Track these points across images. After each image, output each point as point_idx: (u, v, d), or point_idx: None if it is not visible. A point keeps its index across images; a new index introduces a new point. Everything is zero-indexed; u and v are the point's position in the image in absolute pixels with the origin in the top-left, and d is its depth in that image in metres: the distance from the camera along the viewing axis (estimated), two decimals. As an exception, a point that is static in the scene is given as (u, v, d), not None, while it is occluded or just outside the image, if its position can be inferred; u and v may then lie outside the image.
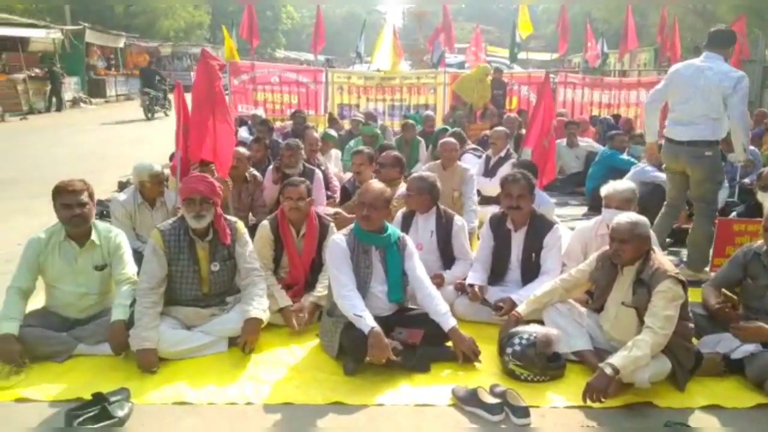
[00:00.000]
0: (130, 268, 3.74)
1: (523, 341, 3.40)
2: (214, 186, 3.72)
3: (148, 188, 4.90)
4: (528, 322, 3.63)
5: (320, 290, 4.10)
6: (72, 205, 3.53)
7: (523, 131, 8.30)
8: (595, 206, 6.48)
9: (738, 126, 4.77)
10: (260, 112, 11.51)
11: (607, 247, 3.46)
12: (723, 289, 3.91)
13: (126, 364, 3.48)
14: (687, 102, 4.85)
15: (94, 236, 3.68)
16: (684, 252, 5.45)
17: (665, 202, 5.37)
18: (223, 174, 5.06)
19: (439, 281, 4.12)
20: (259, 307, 3.68)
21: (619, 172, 6.50)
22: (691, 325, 3.37)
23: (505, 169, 6.57)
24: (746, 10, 16.80)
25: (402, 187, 5.08)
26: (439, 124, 10.53)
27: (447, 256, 4.45)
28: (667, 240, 5.95)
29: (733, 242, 4.86)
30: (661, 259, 3.33)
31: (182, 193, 3.72)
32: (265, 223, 4.25)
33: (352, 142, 8.36)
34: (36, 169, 10.04)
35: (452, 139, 6.23)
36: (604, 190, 4.19)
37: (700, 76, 4.80)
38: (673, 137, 5.00)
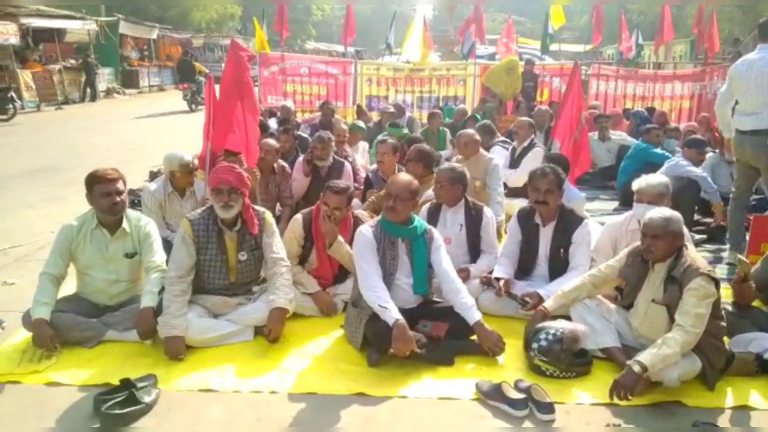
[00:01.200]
0: (159, 256, 3.79)
1: (550, 337, 3.36)
2: (242, 176, 3.75)
3: (178, 178, 4.95)
4: (555, 317, 3.58)
5: None
6: (112, 193, 3.60)
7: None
8: (626, 201, 6.36)
9: None
10: (289, 103, 11.57)
11: (638, 243, 3.39)
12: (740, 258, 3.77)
13: (154, 350, 3.53)
14: (746, 94, 5.03)
15: (125, 224, 3.74)
16: (723, 249, 5.37)
17: (731, 195, 5.45)
18: (251, 164, 5.09)
19: (465, 275, 4.09)
20: (285, 297, 3.69)
21: (653, 166, 6.36)
22: (723, 323, 3.29)
23: (530, 160, 6.51)
24: (788, 0, 16.28)
25: (431, 189, 4.83)
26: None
27: (475, 249, 4.41)
28: (699, 237, 5.83)
29: (768, 239, 4.74)
30: (694, 255, 3.25)
31: (211, 183, 3.75)
32: (299, 217, 4.21)
33: (380, 136, 8.30)
34: (72, 159, 10.26)
35: (469, 130, 6.19)
36: (636, 184, 4.12)
37: (753, 68, 4.98)
38: (739, 127, 5.19)
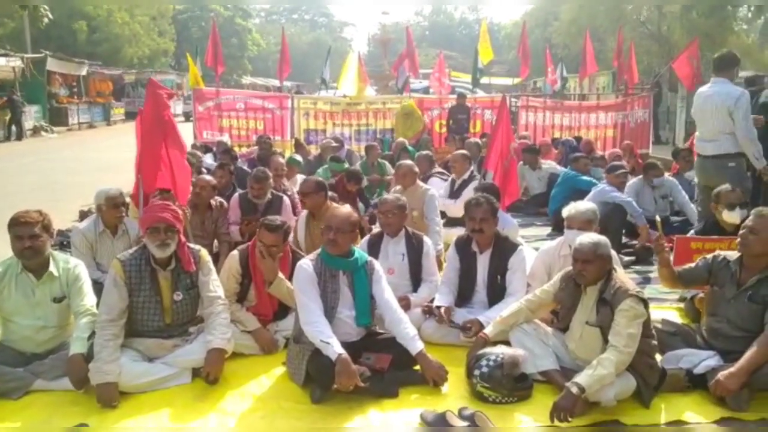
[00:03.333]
0: (89, 299, 3.65)
1: (491, 362, 3.39)
2: (177, 213, 3.69)
3: (105, 212, 4.81)
4: (495, 343, 3.63)
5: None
6: (23, 237, 3.45)
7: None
8: (558, 227, 6.52)
9: (745, 138, 5.41)
10: (226, 138, 11.45)
11: (570, 268, 3.50)
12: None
13: (86, 399, 3.37)
14: (705, 124, 5.64)
15: (52, 267, 3.59)
16: (651, 270, 5.55)
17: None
18: (181, 201, 5.01)
19: (405, 303, 4.11)
20: (223, 337, 3.61)
21: (581, 193, 6.59)
22: (654, 342, 3.41)
23: (469, 191, 6.56)
24: (699, 33, 17.42)
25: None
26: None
27: (417, 278, 4.46)
28: (627, 258, 6.06)
29: (691, 260, 4.92)
30: (623, 278, 3.37)
31: (145, 222, 3.66)
32: (235, 254, 4.15)
33: (320, 170, 8.34)
34: (-6, 200, 9.76)
35: (408, 162, 6.41)
36: (566, 211, 4.26)
37: (708, 101, 5.57)
38: (701, 152, 5.77)
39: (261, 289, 4.07)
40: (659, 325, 3.82)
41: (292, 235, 4.88)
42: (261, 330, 4.03)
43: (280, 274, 3.96)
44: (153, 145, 4.96)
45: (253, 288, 4.10)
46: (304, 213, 5.43)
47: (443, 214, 6.47)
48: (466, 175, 7.12)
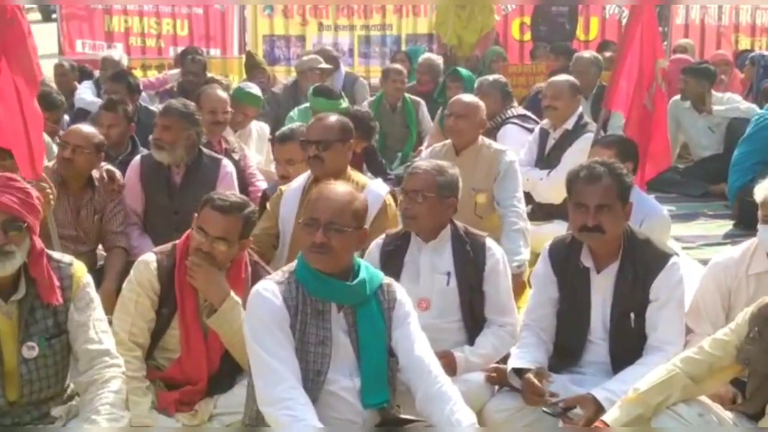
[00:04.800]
0: None
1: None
2: (29, 195, 2.44)
3: None
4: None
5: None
6: None
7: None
8: (746, 219, 4.51)
9: None
10: (118, 53, 7.49)
11: (769, 298, 2.49)
12: None
13: None
14: None
15: None
16: None
17: None
18: (34, 173, 3.38)
19: (449, 362, 2.82)
20: (113, 425, 2.40)
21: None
22: None
23: (577, 153, 4.44)
24: None
25: (373, 186, 3.46)
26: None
27: (476, 318, 3.04)
28: None
29: None
30: None
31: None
32: (150, 260, 2.80)
33: (294, 114, 5.55)
34: None
35: (465, 96, 4.31)
36: (762, 191, 2.87)
37: None
38: None
39: (192, 327, 2.73)
40: None
41: (259, 225, 3.25)
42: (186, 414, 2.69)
43: (233, 295, 2.71)
44: None
45: (178, 324, 2.75)
46: (298, 182, 3.54)
47: (527, 197, 4.45)
48: (570, 123, 4.77)
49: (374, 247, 3.13)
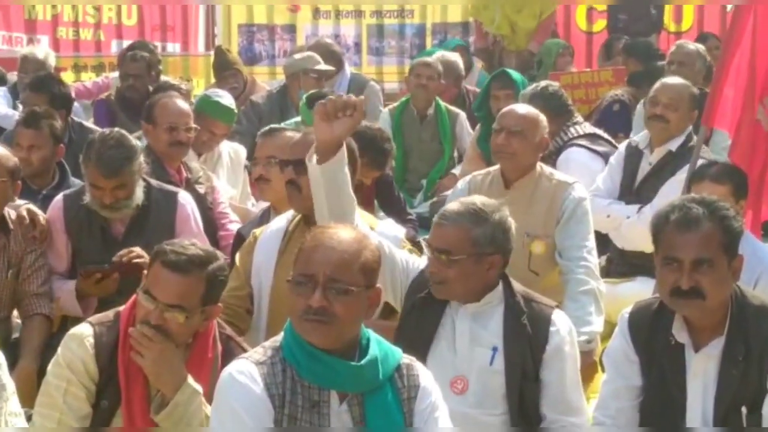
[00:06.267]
0: None
1: None
2: None
3: None
4: None
5: None
6: None
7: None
8: None
9: None
10: (41, 50, 5.89)
11: None
12: None
13: None
14: None
15: None
16: None
17: None
18: None
19: None
20: None
21: None
22: None
23: (676, 185, 3.40)
24: None
25: (383, 228, 2.63)
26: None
27: (526, 413, 2.33)
28: None
29: None
30: None
31: None
32: (85, 332, 2.18)
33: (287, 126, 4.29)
34: None
35: (518, 107, 3.30)
36: None
37: None
38: None
39: (142, 427, 2.16)
40: None
41: (231, 283, 2.48)
42: None
43: (192, 382, 2.12)
44: None
45: (123, 422, 2.18)
46: (279, 223, 2.72)
47: (600, 241, 3.38)
48: (676, 143, 3.62)
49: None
